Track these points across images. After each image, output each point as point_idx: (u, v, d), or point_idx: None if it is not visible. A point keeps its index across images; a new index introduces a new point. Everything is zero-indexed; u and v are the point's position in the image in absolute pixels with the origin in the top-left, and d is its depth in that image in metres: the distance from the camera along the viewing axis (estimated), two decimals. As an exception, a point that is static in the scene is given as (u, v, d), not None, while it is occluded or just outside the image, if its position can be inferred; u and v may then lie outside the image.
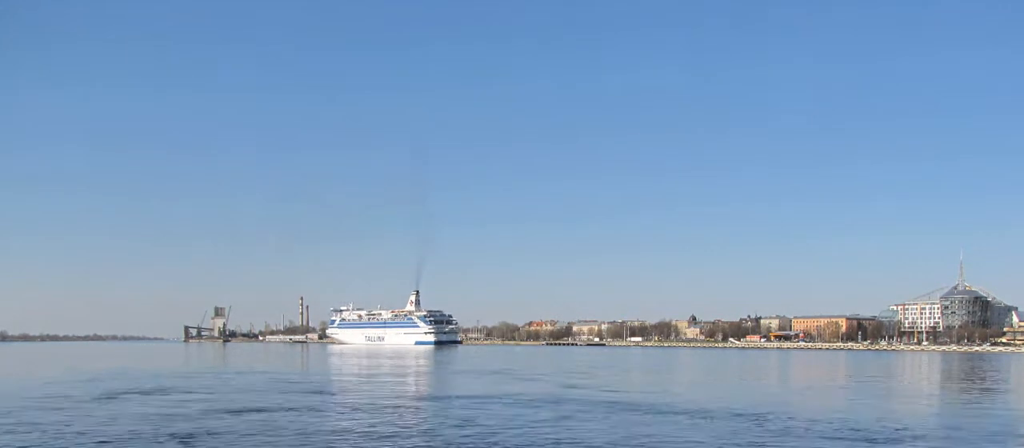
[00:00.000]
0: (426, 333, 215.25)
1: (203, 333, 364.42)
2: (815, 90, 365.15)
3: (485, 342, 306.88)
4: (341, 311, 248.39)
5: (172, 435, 25.08)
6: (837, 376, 71.82)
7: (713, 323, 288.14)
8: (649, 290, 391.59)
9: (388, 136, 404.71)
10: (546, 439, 24.56)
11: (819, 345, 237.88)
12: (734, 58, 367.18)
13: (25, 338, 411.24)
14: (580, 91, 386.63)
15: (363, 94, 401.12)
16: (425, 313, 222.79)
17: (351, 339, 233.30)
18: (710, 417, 31.07)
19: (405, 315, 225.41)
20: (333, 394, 43.15)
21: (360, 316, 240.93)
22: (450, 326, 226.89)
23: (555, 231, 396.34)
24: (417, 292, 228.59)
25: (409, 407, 35.63)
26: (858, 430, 27.13)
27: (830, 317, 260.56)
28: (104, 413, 31.64)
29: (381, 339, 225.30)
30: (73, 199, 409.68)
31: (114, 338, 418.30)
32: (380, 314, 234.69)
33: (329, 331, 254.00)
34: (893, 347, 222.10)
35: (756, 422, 29.20)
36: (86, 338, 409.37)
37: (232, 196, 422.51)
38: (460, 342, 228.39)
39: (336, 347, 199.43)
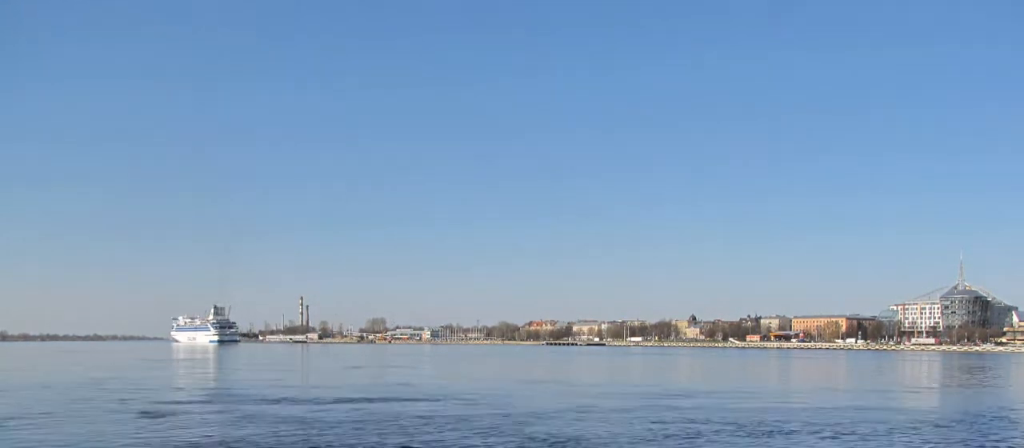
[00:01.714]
0: (214, 335, 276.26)
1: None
2: (815, 89, 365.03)
3: (485, 342, 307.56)
4: (177, 319, 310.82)
5: None
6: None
7: (713, 323, 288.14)
8: (649, 290, 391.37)
9: (387, 131, 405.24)
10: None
11: (819, 345, 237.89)
12: (733, 56, 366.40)
13: (25, 338, 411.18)
14: (580, 90, 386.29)
15: (363, 89, 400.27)
16: (215, 320, 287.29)
17: (182, 339, 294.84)
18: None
19: (206, 322, 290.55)
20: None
21: (186, 322, 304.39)
22: (231, 330, 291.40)
23: (555, 231, 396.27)
24: (215, 306, 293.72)
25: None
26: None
27: (830, 317, 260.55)
28: None
29: (194, 339, 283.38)
30: (72, 198, 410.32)
31: (114, 338, 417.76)
32: (195, 321, 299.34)
33: (171, 333, 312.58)
34: (893, 347, 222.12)
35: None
36: (86, 338, 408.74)
37: (233, 195, 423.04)
38: (238, 341, 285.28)
39: (173, 344, 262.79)
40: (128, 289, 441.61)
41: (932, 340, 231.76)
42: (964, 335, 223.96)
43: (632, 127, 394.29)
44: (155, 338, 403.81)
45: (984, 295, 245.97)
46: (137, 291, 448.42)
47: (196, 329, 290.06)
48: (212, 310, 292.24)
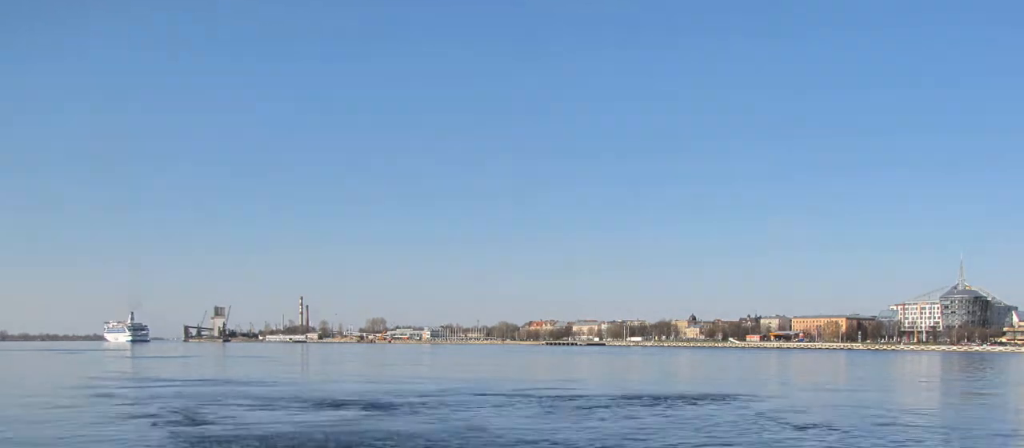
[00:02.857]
0: (129, 336, 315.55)
1: (203, 333, 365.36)
2: (814, 90, 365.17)
3: (485, 341, 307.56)
4: (107, 323, 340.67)
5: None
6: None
7: (713, 323, 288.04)
8: (649, 290, 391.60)
9: (387, 132, 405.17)
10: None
11: (819, 345, 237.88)
12: (732, 59, 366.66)
13: (25, 338, 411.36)
14: (579, 92, 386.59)
15: (358, 87, 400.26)
16: (131, 324, 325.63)
17: (110, 339, 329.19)
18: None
19: (124, 326, 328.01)
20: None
21: (114, 325, 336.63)
22: (143, 331, 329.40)
23: (555, 231, 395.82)
24: (132, 313, 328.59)
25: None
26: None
27: (830, 317, 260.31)
28: None
29: (117, 339, 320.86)
30: (72, 198, 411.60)
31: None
32: (119, 324, 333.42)
33: (103, 334, 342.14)
34: (893, 347, 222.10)
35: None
36: (86, 338, 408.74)
37: (233, 196, 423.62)
38: (148, 342, 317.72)
39: (103, 343, 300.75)
40: (129, 289, 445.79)
41: (932, 340, 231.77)
42: (964, 335, 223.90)
43: (631, 127, 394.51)
44: (156, 338, 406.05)
45: (984, 295, 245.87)
46: (138, 292, 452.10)
47: (118, 331, 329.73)
48: (129, 316, 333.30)
